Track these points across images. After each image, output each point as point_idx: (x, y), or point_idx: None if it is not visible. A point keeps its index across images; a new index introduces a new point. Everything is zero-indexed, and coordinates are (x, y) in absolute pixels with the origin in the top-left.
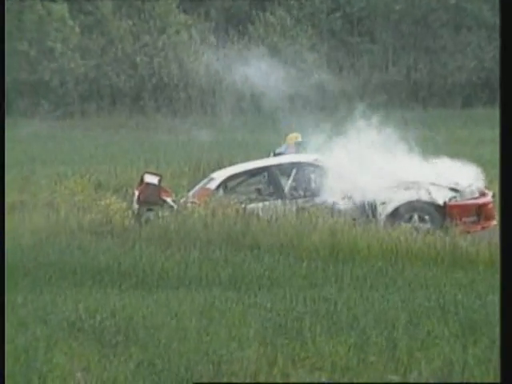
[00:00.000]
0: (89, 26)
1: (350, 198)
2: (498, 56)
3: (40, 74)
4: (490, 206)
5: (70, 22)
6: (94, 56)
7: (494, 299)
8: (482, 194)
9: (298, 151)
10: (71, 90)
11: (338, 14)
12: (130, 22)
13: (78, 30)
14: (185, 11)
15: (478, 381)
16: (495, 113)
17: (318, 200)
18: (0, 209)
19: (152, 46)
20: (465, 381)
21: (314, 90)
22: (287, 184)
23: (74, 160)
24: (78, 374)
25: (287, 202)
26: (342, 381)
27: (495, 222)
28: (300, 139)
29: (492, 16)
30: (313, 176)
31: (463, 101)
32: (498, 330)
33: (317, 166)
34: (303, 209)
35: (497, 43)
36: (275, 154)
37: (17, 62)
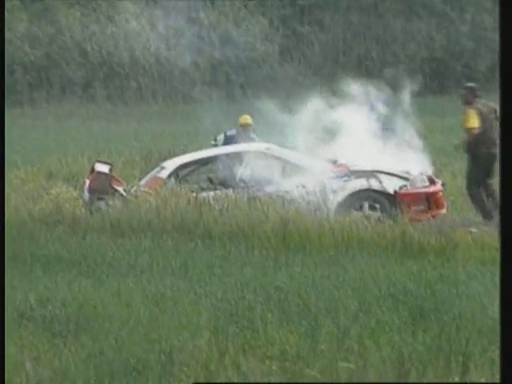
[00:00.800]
0: (37, 15)
1: (301, 186)
2: (447, 45)
3: None
4: (440, 194)
5: (18, 11)
6: (43, 44)
7: (443, 288)
8: (432, 183)
9: (247, 133)
10: (20, 79)
11: (287, 2)
12: (79, 11)
13: (25, 17)
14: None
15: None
16: (444, 102)
17: (269, 189)
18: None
19: (101, 34)
20: (414, 367)
21: (266, 79)
22: (238, 173)
23: (24, 149)
24: (28, 364)
25: (239, 191)
26: (292, 369)
27: (444, 211)
28: (250, 121)
29: (441, 3)
30: (264, 165)
31: (413, 90)
32: (446, 318)
33: (268, 155)
34: (255, 198)
35: (446, 31)
36: (226, 137)
37: None
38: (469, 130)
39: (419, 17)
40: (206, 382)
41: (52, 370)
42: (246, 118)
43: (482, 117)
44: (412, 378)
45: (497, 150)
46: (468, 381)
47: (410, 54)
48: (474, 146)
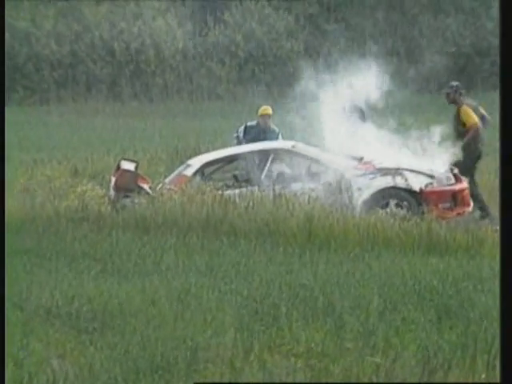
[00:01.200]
0: (64, 12)
1: (327, 184)
2: (474, 41)
3: (14, 59)
4: (466, 192)
5: (45, 8)
6: (69, 42)
7: (469, 285)
8: (458, 180)
9: (267, 124)
10: (47, 76)
11: (314, 0)
12: (106, 8)
13: (51, 14)
14: None
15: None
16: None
17: (295, 187)
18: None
19: (128, 32)
20: (439, 365)
21: (292, 77)
22: (264, 171)
23: (50, 146)
24: (54, 361)
25: (264, 188)
26: (317, 366)
27: (470, 209)
28: (270, 111)
29: (469, 1)
30: (290, 163)
31: (439, 86)
32: (472, 315)
33: (294, 153)
34: (280, 195)
35: (473, 28)
36: (246, 127)
37: None
38: (473, 126)
39: (447, 14)
40: (231, 379)
41: (78, 366)
42: (266, 109)
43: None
44: (438, 376)
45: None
46: (494, 380)
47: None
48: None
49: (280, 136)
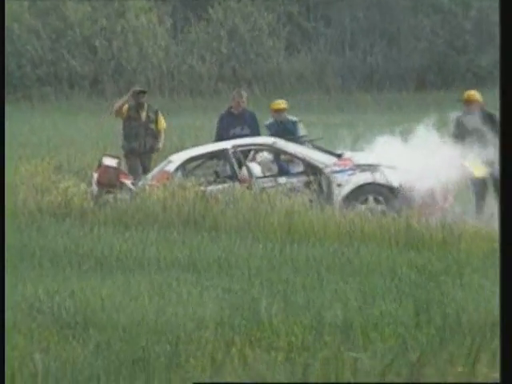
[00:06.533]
0: (46, 9)
1: (309, 180)
2: (450, 40)
3: None
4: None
5: (28, 5)
6: (52, 39)
7: (447, 280)
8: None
9: (284, 117)
10: (29, 73)
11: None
12: (89, 7)
13: (34, 12)
14: None
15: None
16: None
17: (275, 182)
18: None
19: (110, 29)
20: (416, 358)
21: (273, 74)
22: (245, 166)
23: (33, 143)
24: (37, 355)
25: (245, 184)
26: (297, 360)
27: (447, 204)
28: (284, 106)
29: (448, 1)
30: (271, 158)
31: (416, 84)
32: (449, 310)
33: (275, 149)
34: (261, 191)
35: (449, 27)
36: (267, 127)
37: None
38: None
39: (425, 14)
40: (212, 372)
41: (60, 361)
42: (278, 103)
43: None
44: (415, 370)
45: None
46: (470, 373)
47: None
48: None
49: (299, 126)
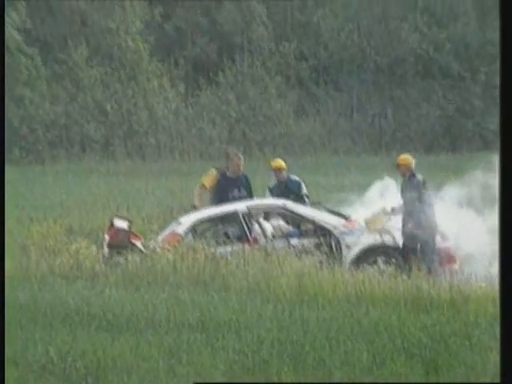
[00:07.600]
0: (59, 74)
1: (319, 241)
2: (460, 106)
3: (9, 120)
4: (452, 250)
5: (40, 70)
6: (64, 103)
7: (457, 341)
8: (445, 239)
9: (284, 176)
10: (41, 137)
11: (304, 64)
12: (102, 70)
13: (47, 76)
14: (155, 59)
15: None
16: (456, 158)
17: (285, 244)
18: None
19: (122, 93)
20: None
21: (282, 137)
22: (255, 228)
23: (45, 205)
24: None
25: (255, 245)
26: None
27: (457, 266)
28: (282, 164)
29: (457, 66)
30: (281, 220)
31: (426, 147)
32: (457, 371)
33: (285, 210)
34: (271, 252)
35: (458, 92)
36: (270, 190)
37: None
38: None
39: (434, 78)
40: None
41: None
42: (276, 162)
43: None
44: None
45: None
46: None
47: (423, 113)
48: None
49: (303, 185)
